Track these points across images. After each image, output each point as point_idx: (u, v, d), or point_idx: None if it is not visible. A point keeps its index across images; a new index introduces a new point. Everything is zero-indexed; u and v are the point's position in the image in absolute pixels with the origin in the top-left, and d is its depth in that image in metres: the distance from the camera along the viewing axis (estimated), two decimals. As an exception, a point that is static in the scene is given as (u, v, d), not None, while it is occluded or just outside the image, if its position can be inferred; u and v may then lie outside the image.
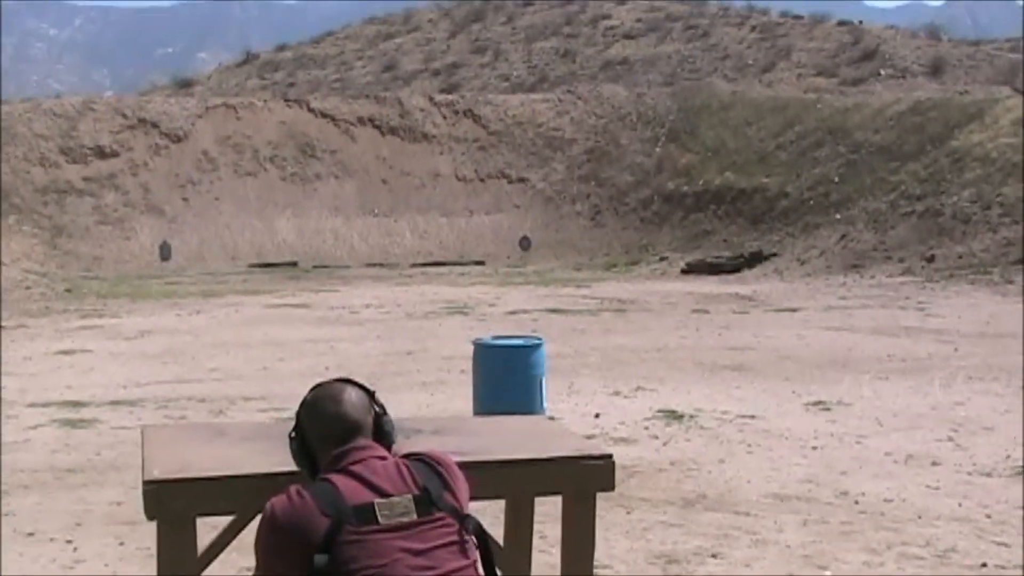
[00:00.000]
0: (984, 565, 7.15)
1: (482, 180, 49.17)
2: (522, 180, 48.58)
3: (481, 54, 78.27)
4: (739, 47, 69.76)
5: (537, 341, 11.05)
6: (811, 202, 36.68)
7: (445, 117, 51.68)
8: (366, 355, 17.93)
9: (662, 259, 38.56)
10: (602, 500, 8.79)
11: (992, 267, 27.65)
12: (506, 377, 10.59)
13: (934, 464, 9.85)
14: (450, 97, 54.37)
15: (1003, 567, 7.12)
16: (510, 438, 4.53)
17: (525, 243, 43.63)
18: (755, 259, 34.71)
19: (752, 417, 12.01)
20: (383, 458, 3.40)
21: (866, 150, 37.38)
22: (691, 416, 12.08)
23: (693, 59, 69.39)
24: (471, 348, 11.45)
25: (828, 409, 12.44)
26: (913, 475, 9.47)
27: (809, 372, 15.21)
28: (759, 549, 7.54)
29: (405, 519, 3.25)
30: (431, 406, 12.81)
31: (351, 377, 3.67)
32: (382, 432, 3.51)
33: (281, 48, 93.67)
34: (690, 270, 35.19)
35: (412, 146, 50.56)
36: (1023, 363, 15.45)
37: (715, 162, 43.20)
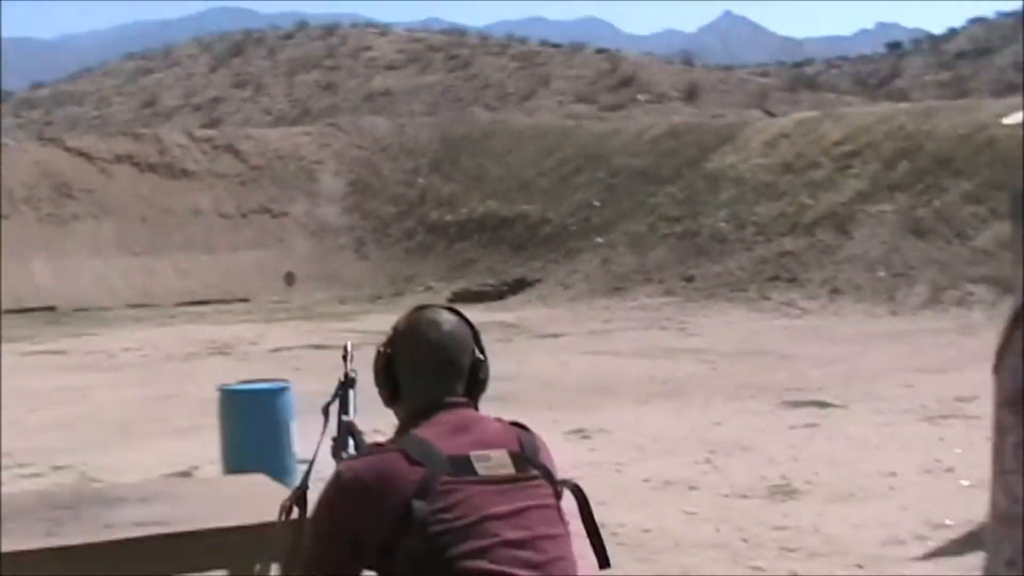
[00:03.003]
0: (739, 592, 7.08)
1: (244, 216, 48.31)
2: (285, 214, 47.90)
3: (243, 88, 77.46)
4: (500, 76, 70.41)
5: (283, 384, 10.66)
6: (573, 227, 36.95)
7: (205, 152, 50.68)
8: (121, 401, 17.25)
9: (427, 289, 38.40)
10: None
11: (748, 284, 28.18)
12: (251, 424, 10.19)
13: (691, 488, 9.82)
14: (210, 132, 53.43)
15: (758, 593, 7.06)
16: (223, 504, 4.20)
17: (290, 278, 43.00)
18: (519, 286, 34.80)
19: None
20: (476, 410, 3.18)
21: (625, 174, 37.84)
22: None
23: (455, 89, 69.80)
24: (222, 393, 11.03)
25: (588, 437, 12.37)
26: (671, 501, 9.42)
27: (571, 399, 15.16)
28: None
29: (504, 471, 2.96)
30: (185, 454, 12.31)
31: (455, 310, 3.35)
32: (475, 379, 3.25)
33: (37, 86, 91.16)
34: (456, 299, 35.03)
35: (171, 183, 49.40)
36: (779, 380, 15.68)
37: (477, 191, 43.26)
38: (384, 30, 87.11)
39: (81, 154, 49.78)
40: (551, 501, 3.02)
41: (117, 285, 45.04)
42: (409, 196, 46.16)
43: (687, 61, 73.89)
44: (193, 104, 77.47)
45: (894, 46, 78.97)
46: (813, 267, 27.65)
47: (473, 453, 2.96)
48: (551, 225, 38.11)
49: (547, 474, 3.06)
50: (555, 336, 23.95)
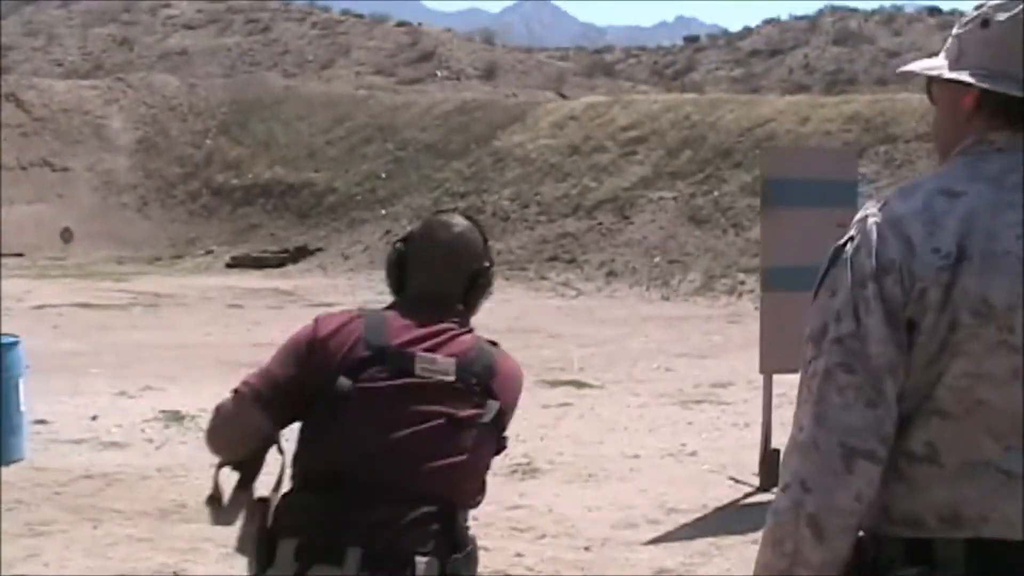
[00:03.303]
0: None
1: (24, 168, 46.62)
2: (67, 169, 46.38)
3: (34, 37, 74.93)
4: (299, 43, 69.44)
5: (12, 340, 10.12)
6: (358, 198, 36.52)
7: (-17, 100, 48.82)
8: None
9: (208, 252, 37.61)
10: (69, 514, 8.10)
11: (528, 264, 28.16)
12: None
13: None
14: (-11, 80, 51.39)
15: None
16: None
17: (67, 235, 41.63)
18: (300, 254, 34.27)
19: (258, 417, 11.47)
20: (462, 325, 3.38)
21: (413, 148, 37.54)
22: (193, 417, 11.42)
23: (253, 53, 68.62)
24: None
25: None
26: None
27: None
28: (225, 564, 6.98)
29: (441, 378, 3.19)
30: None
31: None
32: (475, 284, 3.48)
33: None
34: (235, 264, 34.42)
35: (-54, 130, 47.49)
36: (543, 358, 15.59)
37: (265, 156, 42.51)
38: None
39: None
40: (474, 416, 3.22)
41: None
42: (196, 157, 45.11)
43: (488, 40, 73.91)
44: (-21, 51, 74.56)
45: (691, 40, 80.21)
46: (592, 249, 27.75)
47: (420, 354, 3.20)
48: (336, 194, 37.62)
49: (487, 393, 3.25)
50: (328, 305, 23.49)
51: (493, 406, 3.26)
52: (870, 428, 2.05)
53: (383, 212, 34.84)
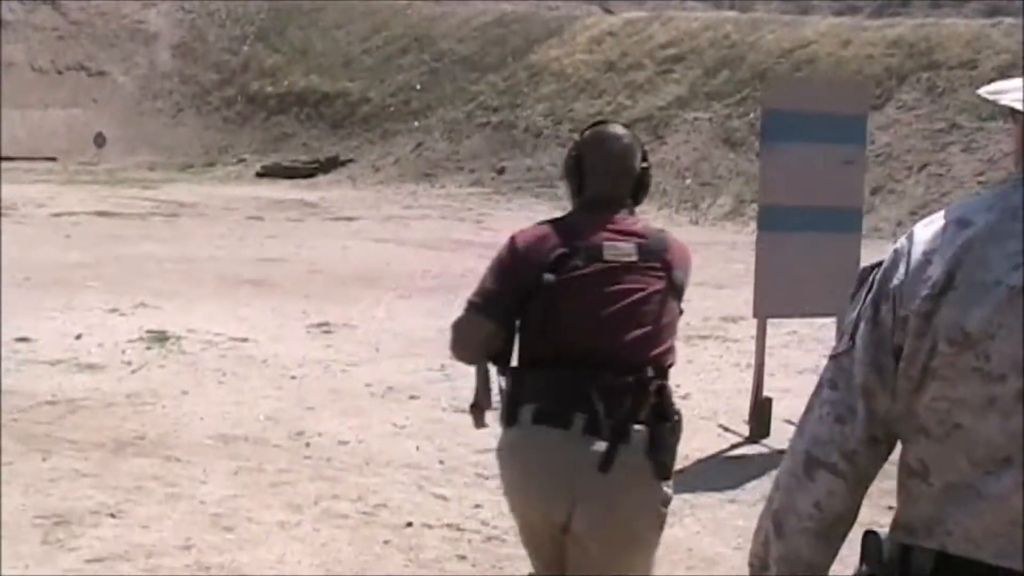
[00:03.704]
0: (409, 525, 6.45)
1: (59, 72, 46.29)
2: (102, 74, 46.02)
3: (76, -62, 74.29)
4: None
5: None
6: (391, 109, 35.95)
7: (22, 2, 48.37)
8: None
9: (240, 161, 37.21)
10: (19, 444, 7.72)
11: (558, 181, 27.57)
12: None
13: (412, 398, 9.18)
14: (27, -19, 50.87)
15: (429, 525, 6.45)
16: None
17: (100, 140, 41.32)
18: (331, 164, 33.80)
19: (244, 340, 11.08)
20: (632, 214, 4.05)
21: (449, 59, 36.87)
22: (178, 338, 11.05)
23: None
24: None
25: (330, 332, 11.65)
26: (385, 411, 8.77)
27: (332, 289, 14.41)
28: (168, 506, 6.62)
29: (627, 259, 3.87)
30: None
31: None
32: (641, 183, 4.12)
33: None
34: (265, 173, 34.02)
35: (-17, 31, 47.13)
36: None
37: (301, 64, 41.95)
38: None
39: None
40: (660, 287, 3.90)
41: (-85, 133, 42.93)
42: (232, 64, 44.60)
43: (535, -50, 72.56)
44: (23, -50, 73.93)
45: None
46: (624, 169, 27.16)
47: (606, 242, 3.89)
48: (370, 105, 37.05)
49: (665, 266, 3.93)
50: (349, 220, 23.14)
51: (672, 276, 3.93)
52: (835, 442, 2.20)
53: (415, 124, 34.29)
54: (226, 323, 11.88)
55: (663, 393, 3.81)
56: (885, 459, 2.25)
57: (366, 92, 37.72)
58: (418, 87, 36.33)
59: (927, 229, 2.19)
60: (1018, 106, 2.15)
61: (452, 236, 20.53)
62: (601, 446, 3.70)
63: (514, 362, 4.00)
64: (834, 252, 7.84)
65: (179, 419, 8.36)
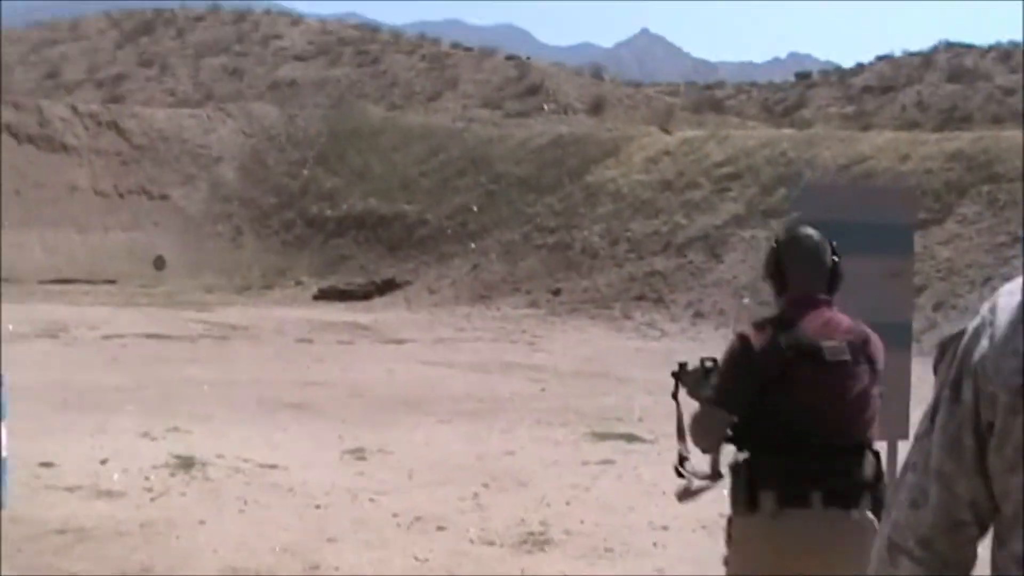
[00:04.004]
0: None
1: (121, 195, 46.66)
2: (163, 197, 46.33)
3: (148, 67, 75.45)
4: (408, 75, 69.07)
5: (-5, 379, 9.37)
6: (449, 231, 35.81)
7: (87, 128, 48.91)
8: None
9: (298, 284, 37.15)
10: (17, 576, 7.31)
11: (614, 302, 27.23)
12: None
13: (440, 529, 8.70)
14: (94, 107, 51.50)
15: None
16: None
17: (159, 262, 41.48)
18: (387, 287, 33.60)
19: (273, 467, 10.68)
20: (830, 307, 4.51)
21: (506, 181, 36.76)
22: (205, 464, 10.66)
23: (361, 84, 68.37)
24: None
25: (363, 458, 11.23)
26: (409, 543, 8.29)
27: (372, 413, 14.00)
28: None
29: (842, 357, 4.36)
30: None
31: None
32: (835, 276, 4.56)
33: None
34: (321, 296, 33.86)
35: (49, 156, 47.58)
36: (602, 406, 14.67)
37: (360, 187, 42.04)
38: (296, 20, 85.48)
39: (-45, 120, 47.85)
40: (869, 379, 4.43)
41: (-21, 257, 43.25)
42: (291, 188, 44.80)
43: (596, 74, 73.06)
44: (96, 80, 75.31)
45: (803, 76, 78.52)
46: (680, 288, 26.75)
47: (825, 343, 4.35)
48: (428, 227, 36.95)
49: (869, 359, 4.45)
50: (400, 342, 22.80)
51: (875, 367, 4.48)
52: (910, 527, 2.12)
53: (472, 246, 34.08)
54: (258, 448, 11.50)
55: (877, 459, 4.45)
56: (976, 542, 2.10)
57: (423, 214, 37.64)
58: (475, 209, 36.20)
59: (1012, 298, 2.05)
60: None
61: (502, 358, 20.12)
62: (840, 513, 4.28)
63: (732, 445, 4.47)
64: (884, 369, 7.33)
65: (191, 551, 7.94)
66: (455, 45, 76.60)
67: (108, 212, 45.59)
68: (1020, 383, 1.95)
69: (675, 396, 4.80)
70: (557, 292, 29.07)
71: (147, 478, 10.17)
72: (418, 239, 36.70)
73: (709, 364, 4.62)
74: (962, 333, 2.09)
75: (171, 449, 11.37)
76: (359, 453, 11.40)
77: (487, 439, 12.31)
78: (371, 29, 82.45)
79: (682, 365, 4.79)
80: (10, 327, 24.36)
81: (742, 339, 4.43)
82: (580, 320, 26.32)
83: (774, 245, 4.69)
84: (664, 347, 22.33)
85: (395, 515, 9.03)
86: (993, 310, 2.05)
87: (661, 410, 14.61)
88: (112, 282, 40.10)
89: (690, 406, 4.54)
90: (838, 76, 77.27)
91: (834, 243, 4.61)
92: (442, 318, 28.10)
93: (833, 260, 4.58)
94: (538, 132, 40.59)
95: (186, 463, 10.72)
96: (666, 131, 47.39)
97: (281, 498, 9.52)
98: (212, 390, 15.63)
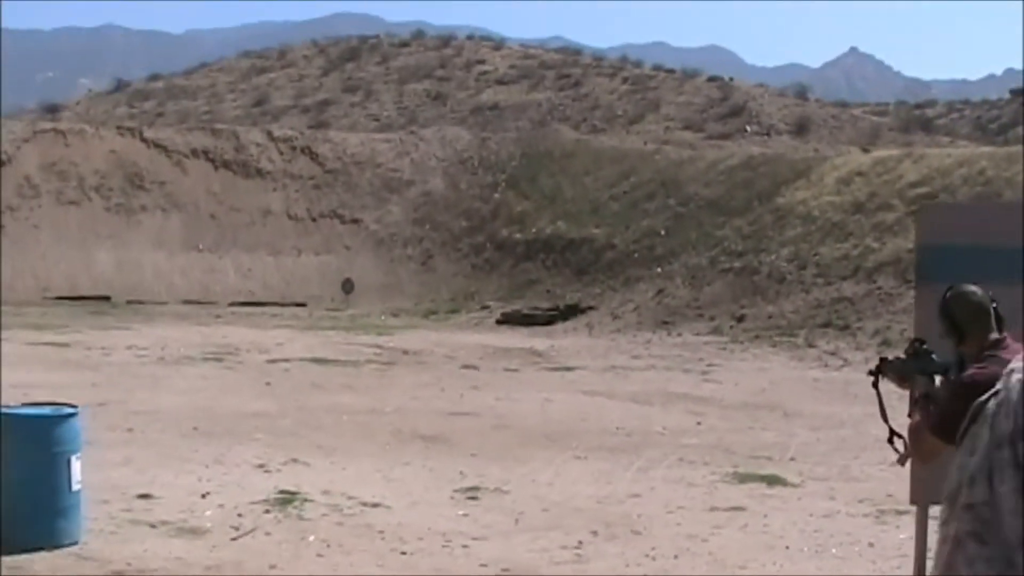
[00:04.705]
0: None
1: (314, 219, 46.98)
2: (355, 221, 46.47)
3: (353, 93, 76.56)
4: (610, 98, 68.67)
5: (67, 411, 8.79)
6: (636, 255, 34.95)
7: (282, 153, 49.45)
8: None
9: (484, 308, 36.70)
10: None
11: (799, 329, 26.01)
12: (18, 456, 8.42)
13: (526, 582, 7.87)
14: (288, 133, 52.08)
15: None
16: None
17: (348, 286, 41.47)
18: (570, 312, 32.89)
19: (376, 505, 9.97)
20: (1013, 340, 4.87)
21: (695, 204, 35.79)
22: (305, 501, 10.02)
23: (563, 107, 68.14)
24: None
25: (475, 498, 10.44)
26: (486, 598, 7.49)
27: (507, 447, 13.23)
28: None
29: None
30: None
31: None
32: (999, 318, 4.91)
33: (154, 78, 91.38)
34: (504, 321, 33.30)
35: (245, 181, 48.23)
36: (755, 443, 13.64)
37: (549, 210, 41.50)
38: (499, 45, 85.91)
39: (158, 146, 48.79)
40: None
41: (176, 280, 43.94)
42: (482, 211, 44.51)
43: (801, 95, 71.58)
44: (302, 106, 76.91)
45: (1018, 92, 75.64)
46: (868, 316, 25.43)
47: None
48: (615, 251, 36.17)
49: None
50: (568, 370, 22.03)
51: None
52: None
53: (658, 270, 33.15)
54: (370, 484, 10.82)
55: None
56: None
57: (611, 238, 36.87)
58: (663, 232, 35.29)
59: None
60: None
61: (668, 388, 19.19)
62: None
63: None
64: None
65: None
66: (657, 67, 76.00)
67: (301, 236, 45.90)
68: None
69: (875, 385, 5.21)
70: (741, 318, 27.97)
71: (240, 515, 9.56)
72: (605, 263, 35.95)
73: (919, 345, 5.08)
74: (995, 394, 2.32)
75: (279, 484, 10.77)
76: (473, 492, 10.63)
77: (618, 479, 11.42)
78: (573, 53, 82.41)
79: (884, 359, 5.20)
80: (181, 349, 24.36)
81: (968, 376, 4.64)
82: (761, 348, 25.18)
83: (943, 301, 4.97)
84: (844, 377, 21.10)
85: (482, 565, 8.24)
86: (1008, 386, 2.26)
87: (821, 448, 13.58)
88: (302, 305, 40.26)
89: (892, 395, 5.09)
90: (1057, 92, 74.37)
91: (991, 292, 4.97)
92: (621, 344, 27.25)
93: (993, 306, 4.92)
94: (729, 153, 39.48)
95: (286, 499, 10.09)
96: (865, 150, 45.81)
97: (369, 541, 8.81)
98: (351, 419, 15.06)
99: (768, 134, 61.51)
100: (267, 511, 9.72)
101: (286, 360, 22.76)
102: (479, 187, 45.96)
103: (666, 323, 29.44)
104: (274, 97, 79.93)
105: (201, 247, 45.50)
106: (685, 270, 32.22)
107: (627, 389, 19.11)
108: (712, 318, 28.80)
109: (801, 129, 62.70)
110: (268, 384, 18.99)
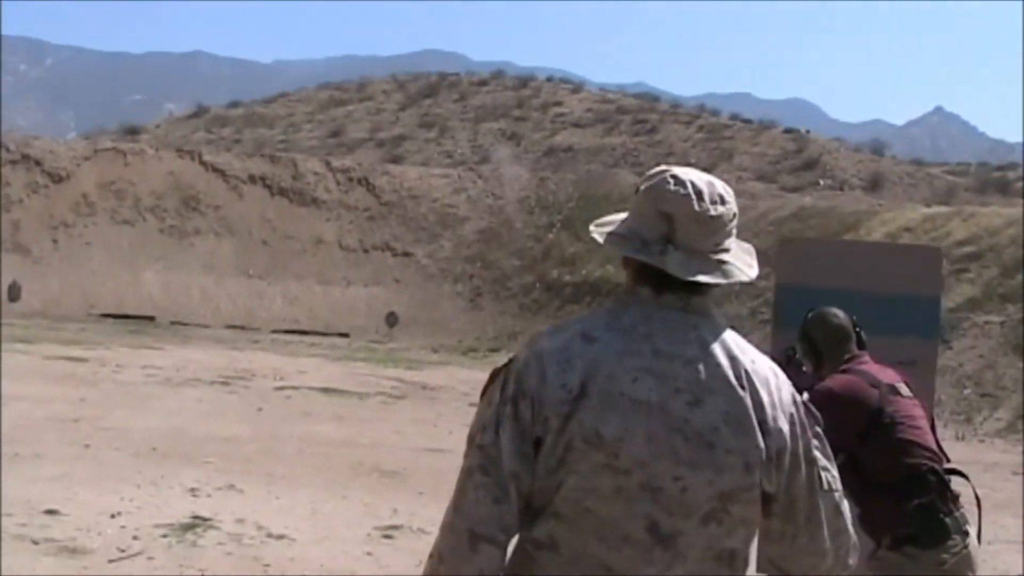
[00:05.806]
0: None
1: (366, 251, 46.75)
2: (407, 254, 46.19)
3: (428, 129, 76.55)
4: (684, 145, 68.16)
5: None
6: (676, 302, 34.32)
7: (339, 183, 49.34)
8: (17, 418, 15.20)
9: (524, 349, 36.16)
10: None
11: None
12: None
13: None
14: (346, 163, 51.95)
15: None
16: None
17: (391, 319, 41.11)
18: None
19: (281, 538, 9.44)
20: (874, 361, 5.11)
21: (742, 253, 35.09)
22: (210, 528, 9.52)
23: (637, 153, 67.68)
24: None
25: (390, 537, 9.88)
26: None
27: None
28: None
29: (908, 391, 4.97)
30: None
31: None
32: (860, 340, 5.13)
33: (234, 105, 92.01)
34: (538, 362, 32.73)
35: (300, 209, 48.15)
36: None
37: (600, 253, 40.85)
38: (577, 88, 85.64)
39: (216, 170, 48.86)
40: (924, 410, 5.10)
41: (223, 305, 43.80)
42: (535, 251, 44.08)
43: (877, 151, 70.59)
44: (377, 139, 76.97)
45: (1100, 159, 74.05)
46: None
47: (895, 383, 4.97)
48: (658, 297, 35.52)
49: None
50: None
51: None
52: (493, 520, 2.59)
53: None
54: (291, 516, 10.31)
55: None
56: None
57: (655, 283, 36.23)
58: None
59: (554, 339, 2.69)
60: (598, 239, 2.87)
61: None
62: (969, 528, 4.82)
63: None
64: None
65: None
66: (734, 117, 75.35)
67: (351, 266, 45.66)
68: (566, 411, 2.58)
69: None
70: (772, 371, 27.25)
71: (135, 538, 9.09)
72: (648, 310, 35.32)
73: (791, 353, 5.23)
74: (509, 363, 2.70)
75: (198, 509, 10.29)
76: (391, 531, 10.06)
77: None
78: (651, 99, 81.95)
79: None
80: (195, 372, 24.02)
81: (825, 388, 4.84)
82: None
83: (801, 328, 5.21)
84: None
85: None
86: (540, 347, 2.64)
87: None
88: (345, 335, 39.93)
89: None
90: None
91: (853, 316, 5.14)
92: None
93: (855, 325, 5.14)
94: (783, 204, 38.73)
95: (191, 525, 9.60)
96: (927, 206, 44.87)
97: (248, 572, 8.27)
98: (316, 451, 14.53)
99: (841, 188, 60.75)
100: (164, 536, 9.23)
101: (294, 388, 22.34)
102: (534, 227, 45.55)
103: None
104: (350, 129, 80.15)
105: (251, 273, 45.40)
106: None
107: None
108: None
109: (875, 185, 61.85)
110: (260, 410, 18.55)
